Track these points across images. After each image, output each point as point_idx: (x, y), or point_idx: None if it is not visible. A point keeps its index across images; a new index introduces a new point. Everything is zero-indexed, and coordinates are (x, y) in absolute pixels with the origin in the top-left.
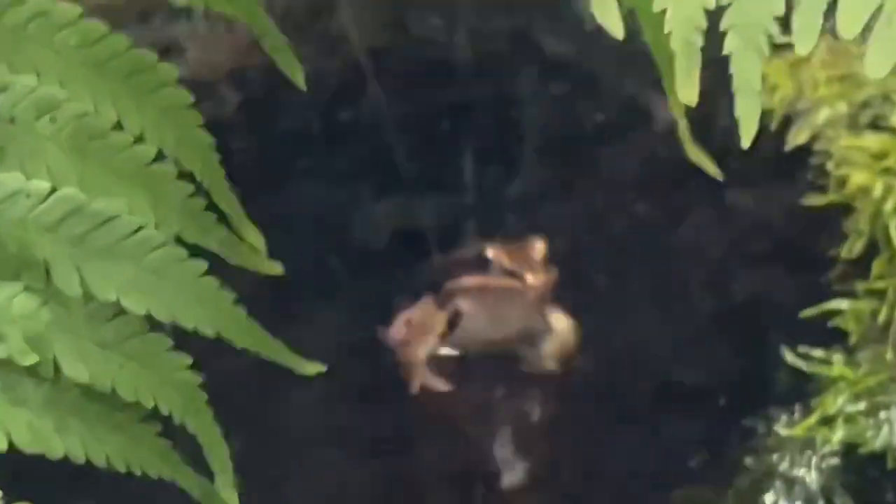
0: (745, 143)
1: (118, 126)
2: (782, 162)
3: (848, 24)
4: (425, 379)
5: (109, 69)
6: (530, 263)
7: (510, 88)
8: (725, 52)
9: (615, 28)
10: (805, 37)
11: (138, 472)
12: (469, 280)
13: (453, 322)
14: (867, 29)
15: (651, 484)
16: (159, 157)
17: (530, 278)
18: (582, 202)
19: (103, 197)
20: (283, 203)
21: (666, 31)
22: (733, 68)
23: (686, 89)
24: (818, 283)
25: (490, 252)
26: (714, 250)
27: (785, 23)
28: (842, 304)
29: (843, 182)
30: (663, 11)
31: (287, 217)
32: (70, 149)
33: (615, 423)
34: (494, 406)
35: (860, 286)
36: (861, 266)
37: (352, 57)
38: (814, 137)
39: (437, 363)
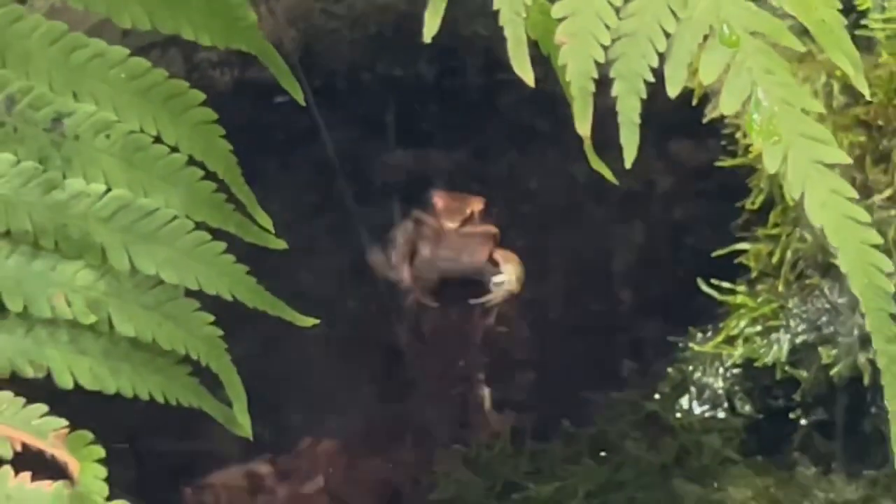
0: (628, 164)
1: (158, 139)
2: (701, 131)
3: (707, 73)
4: (418, 296)
5: (151, 96)
6: (463, 213)
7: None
8: (613, 94)
9: (528, 78)
10: (673, 84)
11: (174, 402)
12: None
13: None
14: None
15: (591, 389)
16: (190, 162)
17: (449, 224)
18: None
19: (146, 195)
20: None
21: (567, 80)
22: (619, 107)
23: (582, 125)
24: (728, 228)
25: (434, 198)
26: (648, 200)
27: None
28: (746, 245)
29: (747, 148)
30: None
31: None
32: (121, 158)
33: (563, 338)
34: (465, 323)
35: (760, 231)
36: (761, 215)
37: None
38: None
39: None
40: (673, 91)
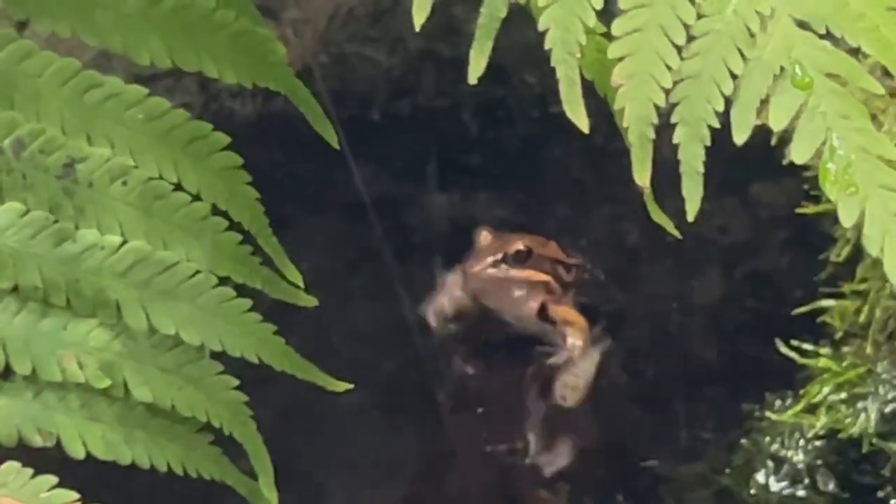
0: (691, 217)
1: (178, 187)
2: (781, 174)
3: (777, 118)
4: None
5: (171, 139)
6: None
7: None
8: (675, 141)
9: (582, 124)
10: (741, 129)
11: (194, 475)
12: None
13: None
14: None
15: (655, 461)
16: (213, 211)
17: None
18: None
19: (166, 247)
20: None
21: (624, 125)
22: (681, 155)
23: (641, 174)
24: (811, 282)
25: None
26: (721, 250)
27: None
28: (830, 302)
29: None
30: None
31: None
32: (138, 208)
33: (625, 404)
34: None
35: (846, 287)
36: (847, 268)
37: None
38: None
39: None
40: (740, 138)
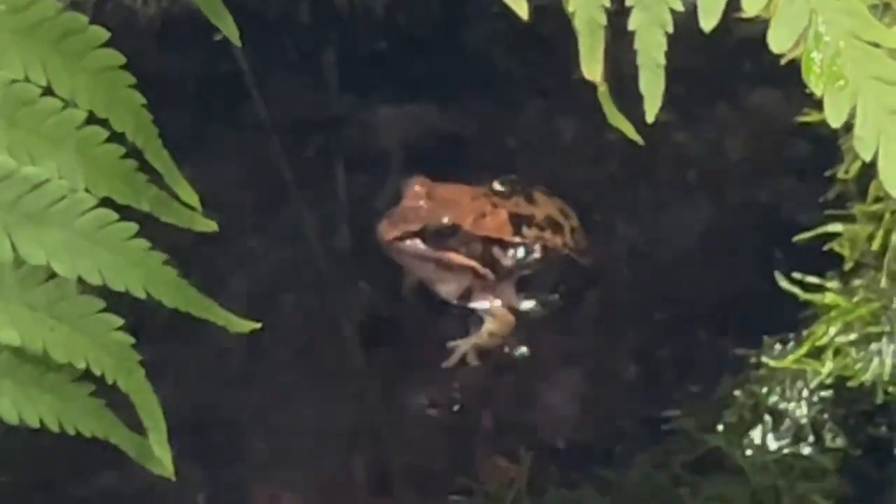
0: (650, 117)
1: (48, 91)
2: (780, 78)
3: (751, 2)
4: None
5: (39, 34)
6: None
7: None
8: (630, 28)
9: (521, 10)
10: (708, 14)
11: (72, 431)
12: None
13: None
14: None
15: (634, 420)
16: (90, 120)
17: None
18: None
19: (33, 162)
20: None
21: (570, 10)
22: (638, 44)
23: (590, 66)
24: (815, 204)
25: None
26: (712, 169)
27: None
28: (837, 227)
29: None
30: None
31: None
32: (0, 116)
33: (597, 352)
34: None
35: (857, 208)
36: (858, 187)
37: None
38: None
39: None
40: (708, 23)
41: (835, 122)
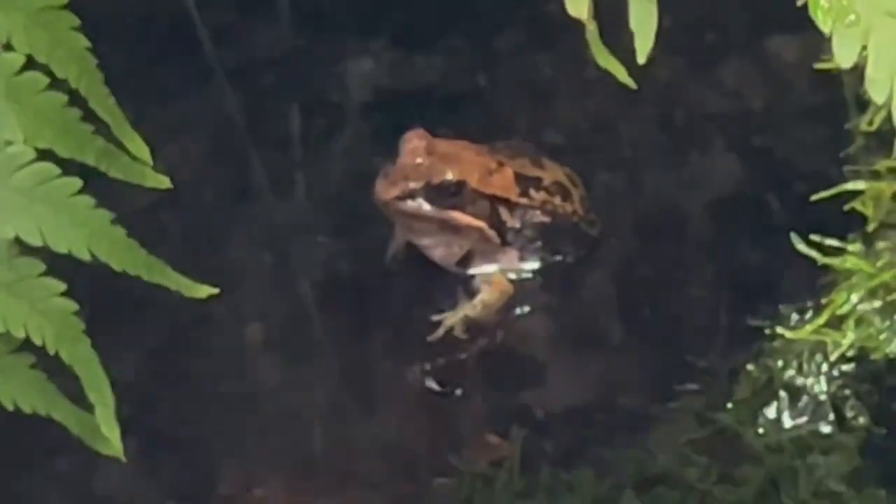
0: (641, 58)
1: None
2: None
3: None
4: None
5: None
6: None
7: None
8: None
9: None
10: None
11: (10, 407)
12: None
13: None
14: None
15: (637, 396)
16: (28, 65)
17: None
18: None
19: None
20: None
21: None
22: None
23: (575, 3)
24: (835, 159)
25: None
26: (723, 120)
27: None
28: (859, 185)
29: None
30: None
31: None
32: None
33: (598, 322)
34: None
35: (881, 164)
36: (882, 140)
37: None
38: None
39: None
40: None
41: (844, 62)
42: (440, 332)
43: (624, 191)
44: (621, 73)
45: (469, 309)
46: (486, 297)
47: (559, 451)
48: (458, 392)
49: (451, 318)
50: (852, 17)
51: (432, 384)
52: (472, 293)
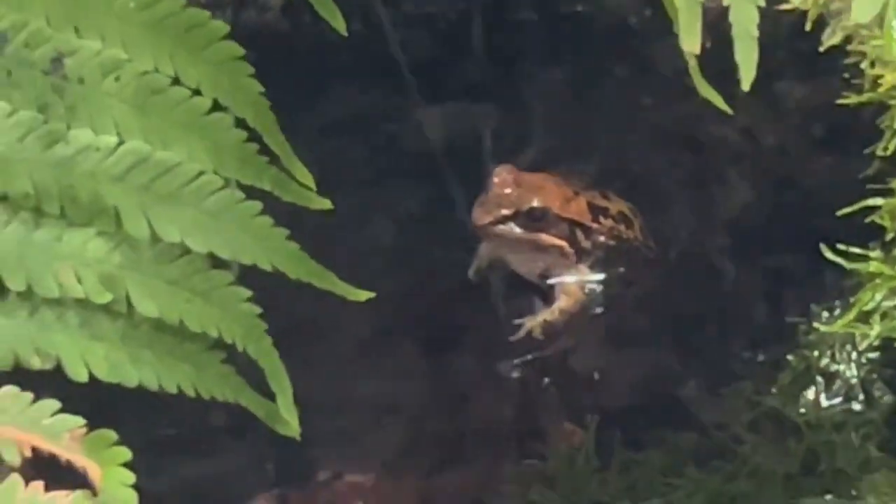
0: (745, 85)
1: (176, 81)
2: (818, 65)
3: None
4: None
5: (166, 28)
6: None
7: None
8: (725, 2)
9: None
10: None
11: (206, 397)
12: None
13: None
14: None
15: (694, 384)
16: (215, 107)
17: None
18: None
19: (165, 147)
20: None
21: None
22: (732, 18)
23: (689, 40)
24: (856, 180)
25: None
26: (756, 151)
27: None
28: (878, 200)
29: (877, 80)
30: None
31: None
32: (134, 105)
33: (657, 323)
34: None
35: (895, 183)
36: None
37: None
38: (847, 38)
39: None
40: None
41: (862, 17)
42: (521, 333)
43: (672, 217)
44: (719, 102)
45: (548, 314)
46: (562, 304)
47: (627, 434)
48: (539, 386)
49: (532, 322)
50: None
51: (515, 379)
52: (550, 301)
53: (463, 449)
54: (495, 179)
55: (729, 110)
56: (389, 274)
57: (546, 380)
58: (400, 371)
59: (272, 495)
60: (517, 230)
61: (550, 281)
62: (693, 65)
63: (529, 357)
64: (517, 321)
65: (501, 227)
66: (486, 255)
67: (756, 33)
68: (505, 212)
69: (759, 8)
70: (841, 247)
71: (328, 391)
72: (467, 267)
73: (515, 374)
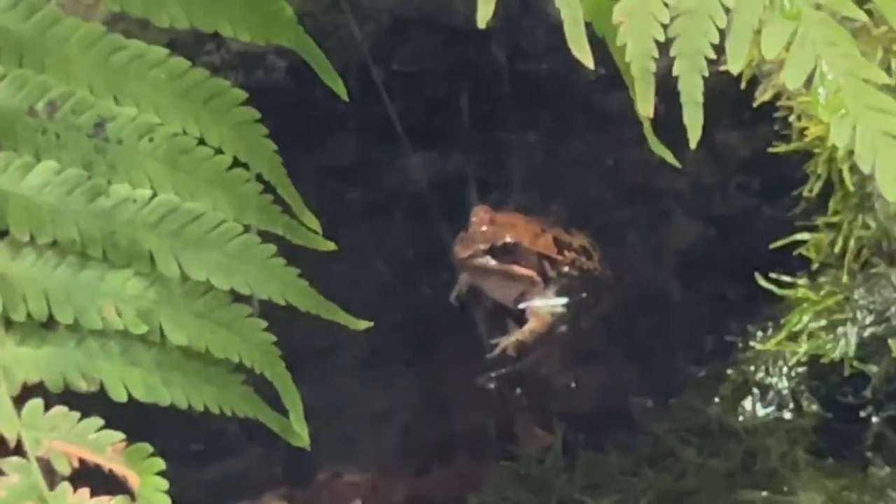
0: (693, 144)
1: (201, 141)
2: (750, 118)
3: (769, 47)
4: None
5: (192, 96)
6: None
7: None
8: (675, 73)
9: (586, 60)
10: (736, 58)
11: (229, 413)
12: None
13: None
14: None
15: (646, 396)
16: (235, 163)
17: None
18: (581, 145)
19: (193, 199)
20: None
21: (627, 60)
22: (681, 86)
23: (644, 105)
24: (785, 218)
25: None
26: (696, 194)
27: None
28: (805, 235)
29: (803, 132)
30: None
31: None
32: (165, 162)
33: (612, 344)
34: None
35: (820, 220)
36: (820, 203)
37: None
38: (777, 94)
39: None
40: (735, 66)
41: (840, 142)
42: (497, 351)
43: (623, 249)
44: (670, 157)
45: (520, 334)
46: (533, 325)
47: (590, 438)
48: (513, 396)
49: (506, 341)
50: (843, 110)
51: (492, 390)
52: (521, 322)
53: (448, 451)
54: (473, 218)
55: (678, 164)
56: (382, 301)
57: (519, 391)
58: (392, 384)
59: (279, 493)
60: (492, 262)
61: (522, 305)
62: (647, 126)
63: (504, 371)
64: (494, 340)
65: (479, 259)
66: (466, 283)
67: (701, 99)
68: (482, 246)
69: (703, 77)
70: (773, 276)
71: (330, 402)
72: (450, 294)
73: (493, 386)
